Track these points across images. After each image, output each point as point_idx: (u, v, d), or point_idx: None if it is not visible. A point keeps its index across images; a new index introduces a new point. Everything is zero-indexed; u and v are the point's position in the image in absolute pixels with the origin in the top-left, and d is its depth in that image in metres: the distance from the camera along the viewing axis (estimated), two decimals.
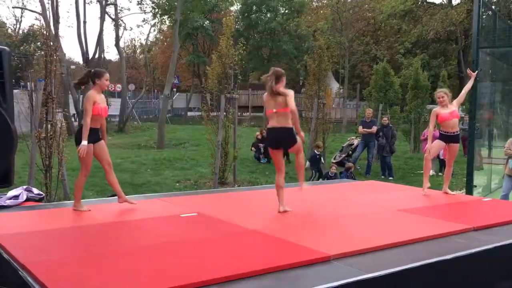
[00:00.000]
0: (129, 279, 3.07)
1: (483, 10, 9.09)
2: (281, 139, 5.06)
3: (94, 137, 4.94)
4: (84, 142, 4.80)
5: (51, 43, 8.09)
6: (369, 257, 3.70)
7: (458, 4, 33.04)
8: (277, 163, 5.27)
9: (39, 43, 27.48)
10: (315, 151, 11.89)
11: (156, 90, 40.76)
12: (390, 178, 12.41)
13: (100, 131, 5.07)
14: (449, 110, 6.62)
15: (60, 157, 7.78)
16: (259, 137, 14.09)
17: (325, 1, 39.05)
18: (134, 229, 4.43)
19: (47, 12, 19.86)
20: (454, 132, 6.64)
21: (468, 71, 7.30)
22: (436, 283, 3.70)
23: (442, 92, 6.74)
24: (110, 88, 32.00)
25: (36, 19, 29.23)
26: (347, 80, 32.22)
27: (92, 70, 5.02)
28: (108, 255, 3.56)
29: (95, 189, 9.14)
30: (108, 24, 65.11)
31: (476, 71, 7.47)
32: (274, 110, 4.92)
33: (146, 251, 3.66)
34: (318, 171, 11.57)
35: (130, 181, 10.17)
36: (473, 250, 3.99)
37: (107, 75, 4.97)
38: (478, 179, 9.36)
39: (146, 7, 33.64)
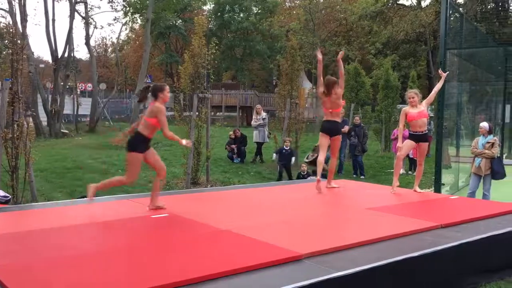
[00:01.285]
0: (99, 281, 3.02)
1: (450, 12, 9.29)
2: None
3: (147, 146, 5.11)
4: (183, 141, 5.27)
5: (18, 41, 7.88)
6: (340, 255, 3.75)
7: (427, 6, 33.72)
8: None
9: (6, 41, 26.77)
10: (284, 145, 11.86)
11: (128, 90, 40.21)
12: (362, 177, 12.56)
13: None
14: (417, 110, 6.78)
15: (27, 158, 7.58)
16: (232, 137, 14.06)
17: (297, 2, 39.28)
18: (104, 230, 4.37)
19: (14, 10, 19.31)
20: (422, 132, 6.80)
21: (439, 71, 7.49)
22: (404, 279, 3.77)
23: (412, 93, 6.92)
24: (80, 88, 31.46)
25: (2, 16, 28.42)
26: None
27: (152, 85, 5.25)
28: (77, 256, 3.50)
29: (64, 191, 8.96)
30: (78, 22, 63.87)
31: (447, 72, 7.67)
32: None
33: (116, 253, 3.62)
34: (285, 168, 11.44)
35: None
36: (440, 247, 4.08)
37: (167, 88, 5.20)
38: (446, 177, 9.57)
39: (117, 6, 33.12)
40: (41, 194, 8.35)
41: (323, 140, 7.07)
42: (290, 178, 11.06)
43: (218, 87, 34.06)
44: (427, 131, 6.92)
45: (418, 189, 7.00)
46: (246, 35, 37.04)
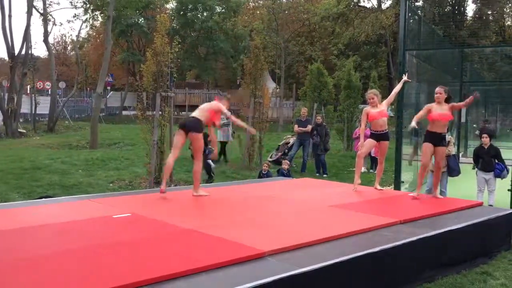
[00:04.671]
0: (56, 282, 2.95)
1: (409, 14, 9.54)
2: None
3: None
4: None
5: None
6: (302, 252, 3.79)
7: (387, 8, 34.53)
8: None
9: None
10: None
11: (88, 89, 39.30)
12: (325, 175, 12.72)
13: None
14: (378, 109, 6.94)
15: None
16: None
17: (261, 2, 39.42)
18: (64, 231, 4.27)
19: None
20: (383, 131, 6.96)
21: (403, 76, 7.73)
22: (364, 275, 3.86)
23: (372, 94, 7.08)
24: (38, 86, 30.53)
25: None
26: (283, 80, 32.75)
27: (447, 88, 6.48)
28: (36, 258, 3.40)
29: (22, 191, 8.68)
30: (36, 18, 61.90)
31: (410, 81, 7.92)
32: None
33: (77, 254, 3.54)
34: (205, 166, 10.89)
35: (59, 182, 9.74)
36: (399, 243, 4.19)
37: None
38: (406, 175, 9.81)
39: (77, 2, 32.33)
40: None
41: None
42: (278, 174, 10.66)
43: (181, 86, 33.80)
44: (387, 130, 7.09)
45: (378, 187, 7.16)
46: (209, 34, 36.87)
